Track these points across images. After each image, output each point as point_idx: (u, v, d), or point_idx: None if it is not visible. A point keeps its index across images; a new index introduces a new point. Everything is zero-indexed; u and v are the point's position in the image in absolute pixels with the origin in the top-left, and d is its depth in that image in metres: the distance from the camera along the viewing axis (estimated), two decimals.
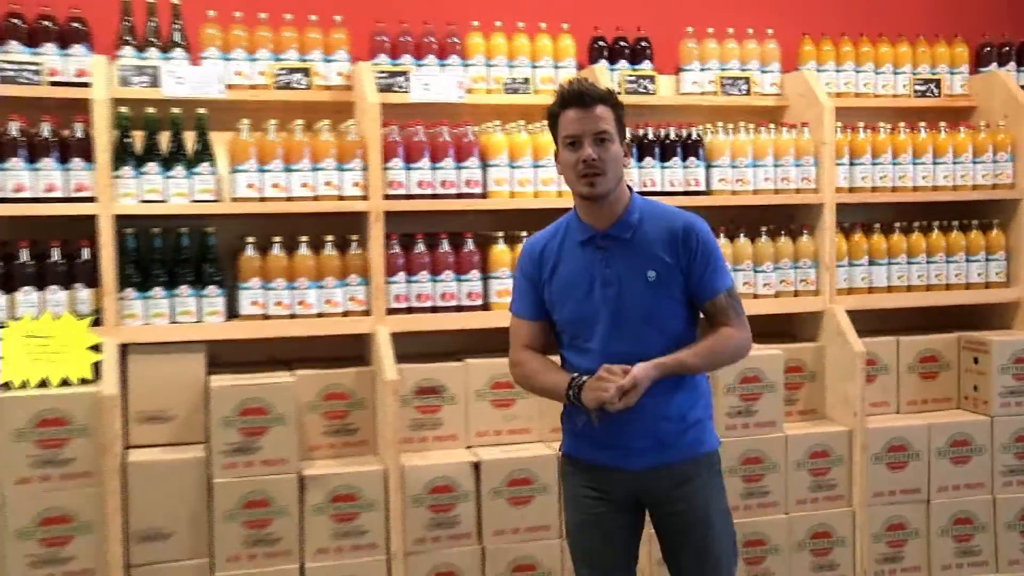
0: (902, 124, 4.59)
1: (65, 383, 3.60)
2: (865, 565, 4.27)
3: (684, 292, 2.80)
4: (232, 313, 3.93)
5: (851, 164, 4.49)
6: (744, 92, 4.52)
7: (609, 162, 2.73)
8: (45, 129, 3.68)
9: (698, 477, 2.84)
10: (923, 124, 4.61)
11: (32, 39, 3.80)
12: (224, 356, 3.95)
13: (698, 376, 2.88)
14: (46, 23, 3.80)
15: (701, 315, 2.87)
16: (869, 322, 4.52)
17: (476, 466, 3.86)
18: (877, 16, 4.98)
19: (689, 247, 2.78)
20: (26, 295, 3.65)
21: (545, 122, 3.94)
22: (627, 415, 2.70)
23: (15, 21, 3.75)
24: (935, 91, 4.79)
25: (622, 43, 4.45)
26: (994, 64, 4.92)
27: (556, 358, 2.92)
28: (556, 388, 2.80)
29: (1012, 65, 4.91)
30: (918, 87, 4.75)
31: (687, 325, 2.84)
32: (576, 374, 2.76)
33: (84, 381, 3.63)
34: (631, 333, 2.76)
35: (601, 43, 4.43)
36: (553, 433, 3.81)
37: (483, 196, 4.08)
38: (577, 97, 2.73)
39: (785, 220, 4.51)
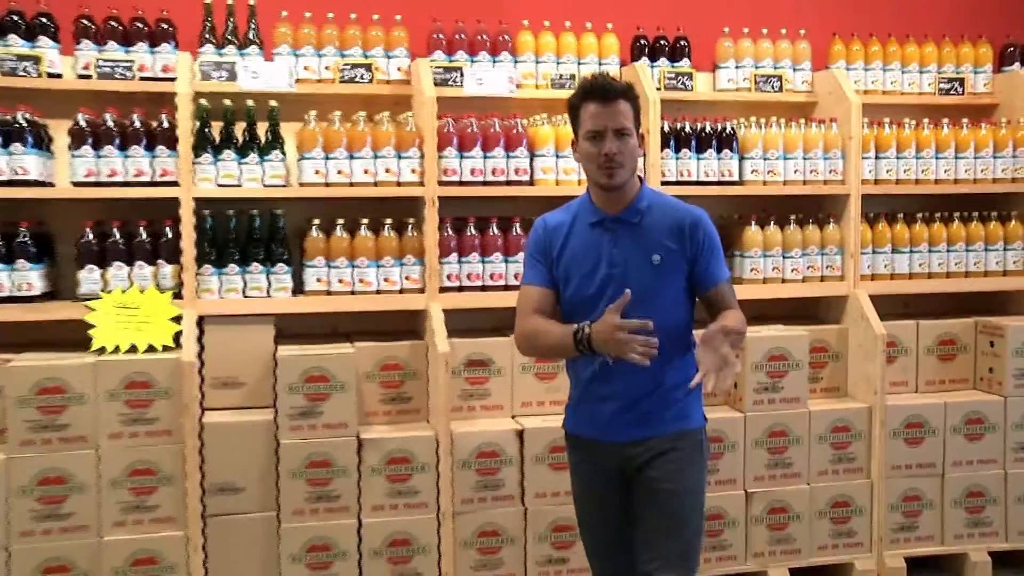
0: (926, 120, 4.64)
1: (150, 349, 3.79)
2: (881, 533, 4.36)
3: (685, 279, 2.85)
4: (298, 289, 4.08)
5: (876, 158, 4.55)
6: (777, 89, 4.58)
7: (628, 155, 2.78)
8: (135, 120, 3.88)
9: (677, 451, 2.85)
10: (947, 121, 4.68)
11: (126, 39, 4.00)
12: (290, 329, 4.11)
13: (687, 356, 2.88)
14: (139, 25, 4.00)
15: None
16: (891, 306, 4.60)
17: (520, 434, 3.98)
18: (904, 17, 5.00)
19: (696, 239, 2.82)
20: (117, 270, 3.86)
21: None
22: (620, 384, 2.77)
23: (113, 24, 3.96)
24: (959, 89, 4.82)
25: (662, 42, 4.52)
26: (1017, 64, 4.94)
27: None
28: (563, 339, 2.76)
29: None
30: (943, 85, 4.79)
31: (683, 310, 2.88)
32: (577, 326, 2.72)
33: (166, 348, 3.82)
34: (631, 311, 2.73)
35: (643, 42, 4.51)
36: None
37: (530, 183, 4.20)
38: (600, 91, 2.76)
39: (813, 209, 4.58)
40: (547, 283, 2.91)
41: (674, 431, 2.84)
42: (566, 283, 2.88)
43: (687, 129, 4.34)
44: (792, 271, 4.44)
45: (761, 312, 4.52)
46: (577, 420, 2.96)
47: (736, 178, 4.43)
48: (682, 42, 4.53)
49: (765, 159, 4.43)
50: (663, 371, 2.81)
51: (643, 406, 2.83)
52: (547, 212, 2.99)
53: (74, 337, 3.81)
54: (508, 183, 4.16)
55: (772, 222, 4.46)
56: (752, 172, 4.43)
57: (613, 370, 2.78)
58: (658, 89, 4.34)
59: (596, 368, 2.81)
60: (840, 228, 4.50)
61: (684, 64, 4.52)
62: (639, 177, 2.89)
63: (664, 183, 4.23)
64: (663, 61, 4.49)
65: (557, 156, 4.18)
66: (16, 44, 3.86)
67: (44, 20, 3.93)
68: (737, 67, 4.58)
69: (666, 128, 4.29)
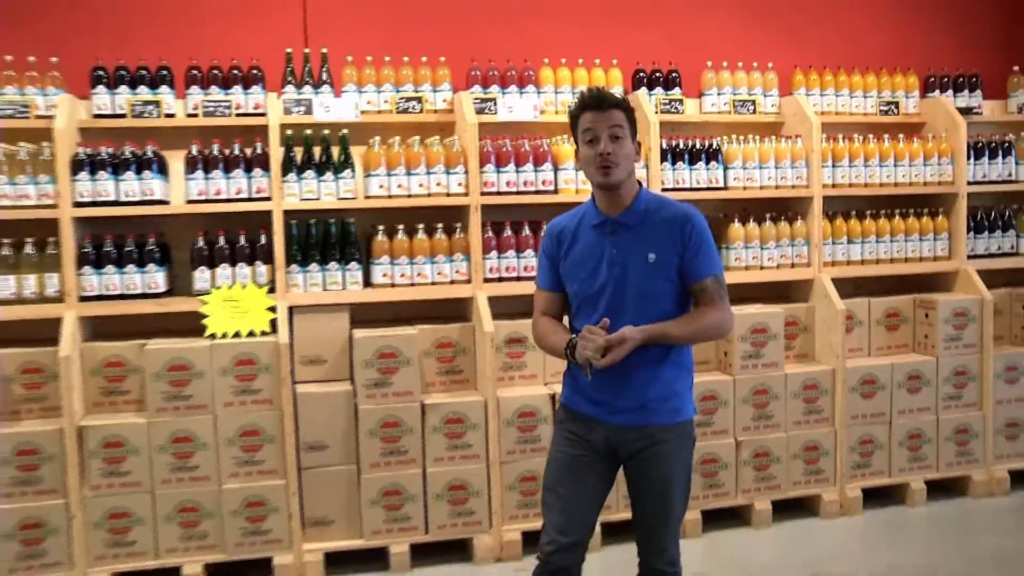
0: (871, 136, 5.07)
1: (251, 334, 4.22)
2: (843, 470, 4.83)
3: (679, 274, 2.81)
4: (367, 283, 4.46)
5: (834, 167, 4.98)
6: (751, 111, 4.99)
7: (622, 156, 2.76)
8: (236, 148, 4.31)
9: (670, 442, 2.84)
10: (887, 136, 5.08)
11: (225, 83, 4.42)
12: (360, 315, 4.47)
13: (684, 353, 2.89)
14: (235, 71, 4.42)
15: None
16: (847, 287, 5.05)
17: (552, 397, 4.36)
18: (851, 52, 5.42)
19: (685, 234, 2.79)
20: (223, 270, 4.29)
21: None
22: (619, 378, 2.77)
23: (215, 71, 4.41)
24: (895, 110, 5.25)
25: (658, 74, 4.92)
26: (938, 91, 5.39)
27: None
28: (557, 347, 2.86)
29: (950, 92, 5.38)
30: (882, 107, 5.22)
31: (679, 304, 2.84)
32: (573, 335, 2.80)
33: (264, 333, 4.24)
34: (629, 306, 2.77)
35: (642, 74, 4.92)
36: None
37: (555, 192, 4.55)
38: (596, 101, 2.78)
39: (784, 209, 4.97)
40: (553, 287, 2.96)
41: (670, 422, 2.84)
42: (572, 281, 2.89)
43: (680, 146, 4.73)
44: (768, 260, 4.86)
45: (744, 294, 4.94)
46: (575, 396, 2.93)
47: (722, 184, 4.81)
48: (674, 74, 4.93)
49: (744, 169, 4.82)
50: (663, 363, 2.82)
51: (645, 396, 2.81)
52: (557, 216, 3.02)
53: (188, 326, 4.26)
54: (537, 192, 4.51)
55: (751, 220, 4.86)
56: (734, 179, 4.83)
57: (592, 384, 2.82)
58: (656, 113, 4.73)
59: (589, 377, 2.80)
60: (806, 224, 4.92)
61: (676, 92, 4.91)
62: (639, 182, 2.90)
63: (663, 190, 4.63)
64: (659, 90, 4.88)
65: (576, 170, 4.54)
66: (143, 92, 4.33)
67: (164, 72, 4.38)
68: (719, 94, 4.97)
69: (663, 145, 4.68)
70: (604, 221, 2.85)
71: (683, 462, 2.89)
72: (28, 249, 4.20)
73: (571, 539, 2.86)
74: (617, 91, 4.75)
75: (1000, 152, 5.34)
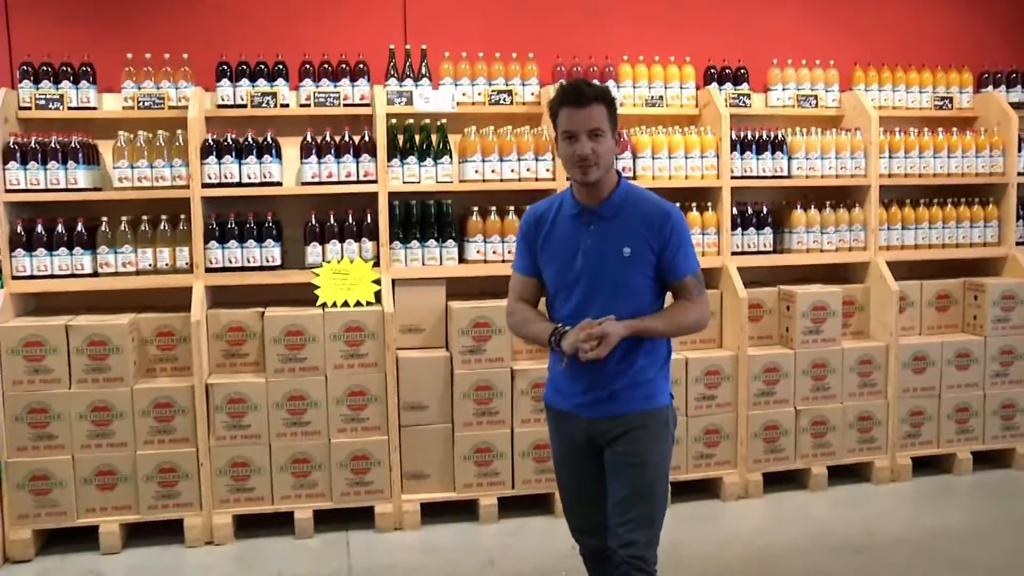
0: (926, 129, 5.23)
1: (358, 304, 4.46)
2: (894, 439, 5.02)
3: (654, 269, 2.73)
4: (461, 259, 4.68)
5: (890, 157, 5.12)
6: (813, 106, 5.16)
7: (602, 155, 2.65)
8: (346, 136, 4.57)
9: (644, 427, 2.74)
10: (941, 129, 5.23)
11: (335, 76, 4.68)
12: (453, 289, 4.69)
13: (659, 343, 2.80)
14: (343, 65, 4.69)
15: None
16: (901, 270, 5.18)
17: None
18: (907, 50, 5.54)
19: (664, 233, 2.69)
20: (333, 246, 4.55)
21: (677, 125, 4.66)
22: (592, 371, 2.68)
23: (325, 66, 4.67)
24: (949, 105, 5.38)
25: (727, 70, 5.09)
26: (991, 87, 5.51)
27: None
28: (541, 335, 2.76)
29: (1003, 87, 5.50)
30: (937, 102, 5.36)
31: (652, 297, 2.76)
32: (560, 324, 2.72)
33: (369, 304, 4.48)
34: (603, 297, 2.70)
35: (713, 71, 5.10)
36: None
37: (633, 178, 4.69)
38: (575, 96, 2.64)
39: (843, 196, 5.13)
40: (530, 271, 2.87)
41: (642, 409, 2.75)
42: (548, 267, 2.81)
43: (748, 137, 4.92)
44: (828, 243, 5.03)
45: (805, 275, 5.14)
46: (554, 394, 2.89)
47: (786, 173, 4.99)
48: (742, 70, 5.11)
49: (807, 159, 5.00)
50: (634, 354, 2.73)
51: (614, 386, 2.74)
52: (537, 202, 2.94)
53: (293, 296, 4.56)
54: None
55: (813, 206, 5.03)
56: (797, 169, 5.00)
57: (565, 377, 2.79)
58: (727, 106, 4.94)
59: (563, 365, 2.75)
60: (863, 211, 5.09)
61: (744, 87, 5.09)
62: (617, 172, 2.79)
63: (733, 177, 4.86)
64: (728, 85, 5.06)
65: (653, 158, 4.78)
66: (261, 85, 4.63)
67: (279, 66, 4.67)
68: (783, 89, 5.15)
69: (733, 136, 4.89)
70: (581, 211, 2.76)
71: (659, 450, 2.78)
72: (162, 226, 4.52)
73: (589, 523, 2.86)
74: (690, 90, 4.97)
75: None
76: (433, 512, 4.63)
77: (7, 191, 4.39)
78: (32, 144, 4.41)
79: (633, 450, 2.74)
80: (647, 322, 2.70)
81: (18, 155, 4.39)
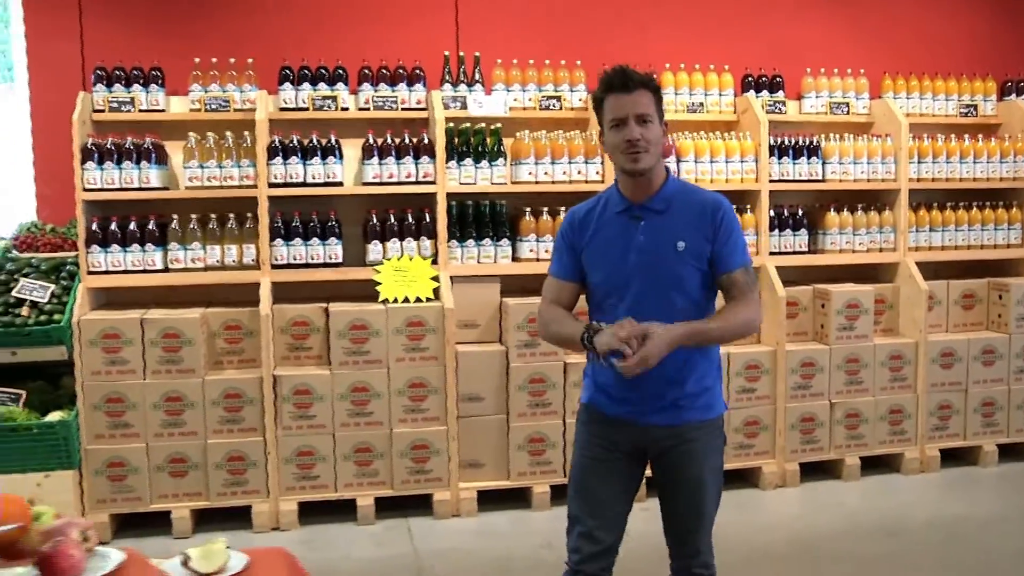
0: (952, 135, 5.33)
1: (417, 300, 4.56)
2: (923, 432, 5.13)
3: (708, 264, 2.57)
4: (515, 257, 4.78)
5: (919, 163, 5.24)
6: (845, 113, 5.29)
7: (651, 141, 2.51)
8: (406, 138, 4.67)
9: (701, 440, 2.62)
10: (966, 136, 5.34)
11: (392, 81, 4.78)
12: (507, 286, 4.77)
13: (714, 348, 2.65)
14: (400, 71, 4.79)
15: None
16: (929, 270, 5.29)
17: None
18: (934, 59, 5.65)
19: (715, 222, 2.56)
20: (393, 243, 4.65)
21: (716, 131, 4.75)
22: (649, 374, 2.42)
23: (384, 71, 4.77)
24: (974, 112, 5.52)
25: (763, 79, 5.22)
26: (1014, 95, 5.63)
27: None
28: (573, 334, 2.54)
29: None
30: (962, 110, 5.50)
31: (707, 294, 2.62)
32: (592, 322, 2.52)
33: (428, 300, 4.57)
34: (658, 297, 2.53)
35: (750, 79, 5.20)
36: None
37: None
38: (621, 81, 2.53)
39: (874, 200, 5.24)
40: (568, 276, 2.69)
41: (701, 420, 2.63)
42: (596, 270, 2.63)
43: (785, 142, 5.04)
44: (859, 244, 5.15)
45: (837, 275, 5.23)
46: (602, 397, 2.67)
47: (820, 177, 5.11)
48: (777, 79, 5.24)
49: (840, 164, 5.12)
50: (693, 358, 2.59)
51: (676, 393, 2.59)
52: (579, 203, 2.76)
53: (352, 293, 4.65)
54: None
55: (845, 209, 5.14)
56: (831, 173, 5.13)
57: (619, 386, 2.58)
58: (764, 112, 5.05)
59: (604, 365, 2.50)
60: (893, 213, 5.21)
61: (779, 95, 5.22)
62: (666, 168, 2.66)
63: (771, 181, 4.99)
64: (764, 93, 5.18)
65: (696, 162, 4.90)
66: (322, 88, 4.72)
67: (339, 71, 4.76)
68: (816, 96, 5.27)
69: (771, 141, 5.00)
70: (629, 207, 2.60)
71: (713, 462, 2.67)
72: (230, 223, 4.62)
73: (600, 546, 2.64)
74: (728, 97, 5.05)
75: None
76: (488, 500, 4.73)
77: (85, 190, 4.47)
78: (108, 145, 4.50)
79: (690, 463, 2.63)
80: (706, 327, 2.51)
81: (95, 156, 4.48)
